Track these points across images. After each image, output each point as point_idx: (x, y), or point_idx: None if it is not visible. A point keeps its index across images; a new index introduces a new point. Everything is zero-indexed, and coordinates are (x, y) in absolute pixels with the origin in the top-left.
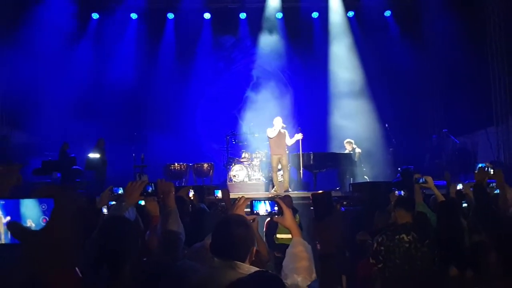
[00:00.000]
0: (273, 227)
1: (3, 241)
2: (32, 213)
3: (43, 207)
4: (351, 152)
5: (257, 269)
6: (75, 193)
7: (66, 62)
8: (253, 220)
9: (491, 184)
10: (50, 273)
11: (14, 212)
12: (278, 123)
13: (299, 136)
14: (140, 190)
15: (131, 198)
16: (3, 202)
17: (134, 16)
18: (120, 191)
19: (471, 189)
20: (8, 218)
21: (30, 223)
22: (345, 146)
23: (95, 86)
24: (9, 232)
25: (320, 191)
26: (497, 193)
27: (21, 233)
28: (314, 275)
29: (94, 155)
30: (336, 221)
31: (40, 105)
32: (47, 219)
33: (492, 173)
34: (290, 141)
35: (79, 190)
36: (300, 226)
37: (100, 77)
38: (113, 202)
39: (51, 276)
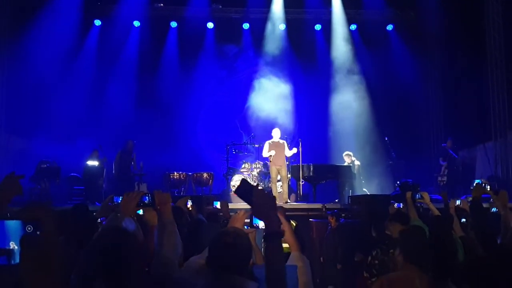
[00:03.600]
0: None
1: None
2: (16, 235)
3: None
4: (351, 165)
5: (254, 282)
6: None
7: (68, 68)
8: (251, 232)
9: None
10: None
11: None
12: (277, 135)
13: (295, 150)
14: (136, 201)
15: (127, 209)
16: None
17: (137, 23)
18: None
19: (468, 204)
20: None
21: (13, 245)
22: (344, 159)
23: (95, 93)
24: None
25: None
26: (494, 212)
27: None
28: None
29: (92, 163)
30: None
31: (39, 112)
32: None
33: (488, 189)
34: (288, 153)
35: (75, 197)
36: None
37: (101, 83)
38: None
39: None
